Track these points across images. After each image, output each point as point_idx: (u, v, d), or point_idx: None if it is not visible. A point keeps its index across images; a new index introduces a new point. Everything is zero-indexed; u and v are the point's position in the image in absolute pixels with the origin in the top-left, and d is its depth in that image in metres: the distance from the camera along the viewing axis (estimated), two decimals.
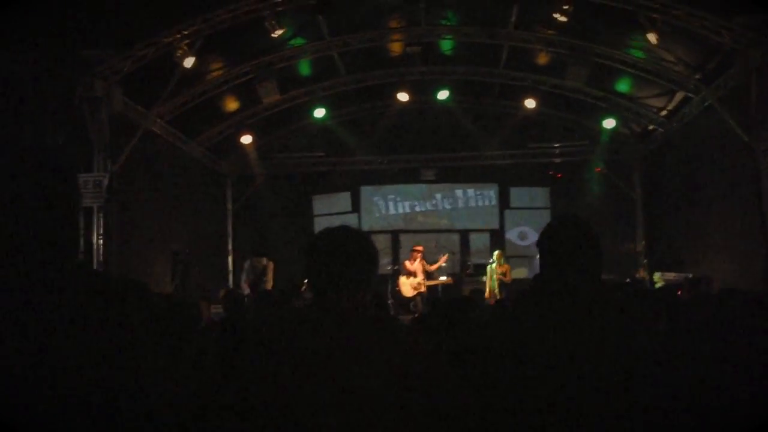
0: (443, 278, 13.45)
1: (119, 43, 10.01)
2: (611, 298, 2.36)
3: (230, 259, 15.66)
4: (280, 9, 10.24)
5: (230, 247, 15.76)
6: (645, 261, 14.38)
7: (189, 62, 10.40)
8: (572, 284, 2.26)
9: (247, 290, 11.29)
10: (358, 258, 2.00)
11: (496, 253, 13.23)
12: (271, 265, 11.89)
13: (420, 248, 13.28)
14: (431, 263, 13.32)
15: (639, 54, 11.84)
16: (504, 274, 12.80)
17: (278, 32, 10.49)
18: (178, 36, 10.01)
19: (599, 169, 15.63)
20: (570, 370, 2.09)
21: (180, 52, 10.22)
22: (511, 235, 16.35)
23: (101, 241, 9.96)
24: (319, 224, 16.52)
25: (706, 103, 11.49)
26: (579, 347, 2.11)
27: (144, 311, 2.05)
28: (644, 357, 2.16)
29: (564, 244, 2.32)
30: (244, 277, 11.83)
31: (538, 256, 2.43)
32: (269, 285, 11.66)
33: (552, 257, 2.34)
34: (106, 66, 9.99)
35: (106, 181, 9.91)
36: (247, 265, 11.94)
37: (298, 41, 12.29)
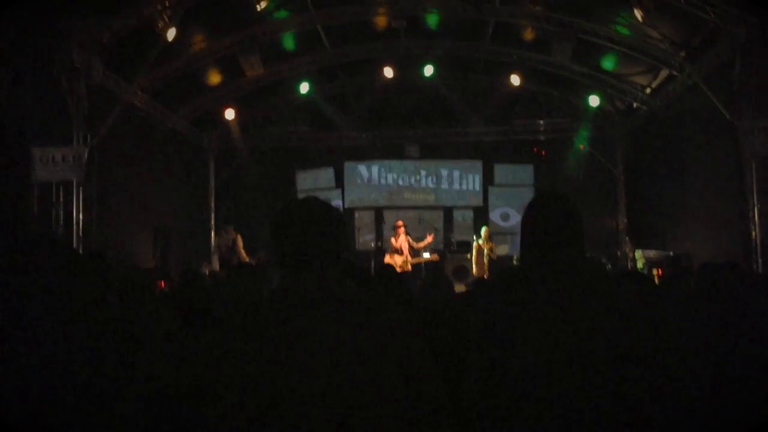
0: (428, 255, 13.44)
1: (99, 13, 9.81)
2: (593, 274, 2.32)
3: (213, 234, 15.55)
4: None
5: (213, 222, 15.64)
6: (627, 238, 14.48)
7: (171, 34, 10.21)
8: (553, 260, 2.23)
9: (216, 266, 11.13)
10: (326, 230, 1.93)
11: (483, 229, 13.25)
12: (239, 238, 11.69)
13: (401, 223, 13.23)
14: (416, 240, 13.31)
15: (624, 31, 11.79)
16: (491, 251, 12.84)
17: (263, 4, 10.33)
18: (159, 7, 9.82)
19: (583, 146, 15.64)
20: (552, 348, 2.06)
21: (161, 23, 10.03)
22: (494, 215, 16.35)
23: (80, 216, 9.83)
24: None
25: (690, 81, 11.49)
26: (561, 325, 2.08)
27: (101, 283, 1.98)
28: (630, 335, 2.12)
29: (545, 219, 2.28)
30: (213, 252, 11.60)
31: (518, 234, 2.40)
32: (241, 258, 11.49)
33: (533, 233, 2.30)
34: (86, 36, 9.78)
35: (85, 155, 9.75)
36: (216, 240, 11.72)
37: (282, 14, 12.12)
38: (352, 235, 16.09)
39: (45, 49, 9.56)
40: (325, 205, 1.95)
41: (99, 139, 10.14)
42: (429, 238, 13.32)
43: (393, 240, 13.14)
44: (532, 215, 2.34)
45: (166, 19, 10.05)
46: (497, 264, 12.69)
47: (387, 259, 13.04)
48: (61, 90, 9.82)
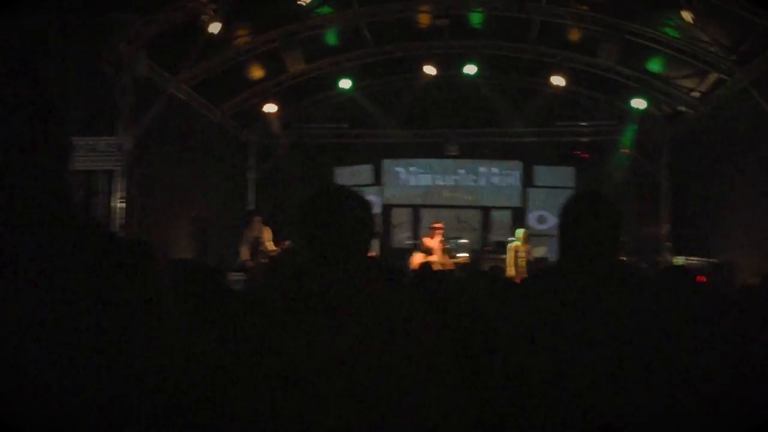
0: (462, 255, 13.28)
1: (146, 6, 9.97)
2: (625, 278, 2.29)
3: None
4: None
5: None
6: (668, 245, 14.19)
7: (215, 28, 10.33)
8: (587, 262, 2.19)
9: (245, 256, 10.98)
10: (354, 223, 1.86)
11: (520, 231, 13.08)
12: (266, 230, 11.30)
13: (440, 225, 13.09)
14: (451, 239, 13.18)
15: (673, 33, 11.54)
16: (528, 252, 12.68)
17: (307, 0, 10.36)
18: (204, 1, 9.91)
19: (626, 150, 15.37)
20: (579, 348, 2.05)
21: (205, 17, 10.14)
22: (532, 217, 16.18)
23: (122, 205, 9.99)
24: None
25: (739, 86, 11.19)
26: (590, 327, 2.07)
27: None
28: (654, 337, 2.09)
29: (581, 220, 2.26)
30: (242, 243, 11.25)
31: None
32: (268, 247, 11.23)
33: (569, 234, 2.28)
34: (132, 30, 9.94)
35: (128, 146, 9.91)
36: (244, 232, 11.38)
37: (326, 10, 12.15)
38: (387, 232, 16.09)
39: (92, 41, 9.74)
40: (355, 196, 1.90)
41: (143, 130, 10.29)
42: (462, 258, 13.08)
43: (427, 239, 13.01)
44: (568, 215, 2.31)
45: (211, 12, 10.16)
46: (533, 266, 12.53)
47: (416, 257, 12.90)
48: (107, 82, 9.99)
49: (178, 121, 12.02)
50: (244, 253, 11.14)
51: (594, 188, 14.64)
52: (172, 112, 11.64)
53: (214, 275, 3.48)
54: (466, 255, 13.33)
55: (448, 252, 12.87)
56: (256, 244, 11.17)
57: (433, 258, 12.51)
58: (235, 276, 9.46)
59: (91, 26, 9.73)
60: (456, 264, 12.97)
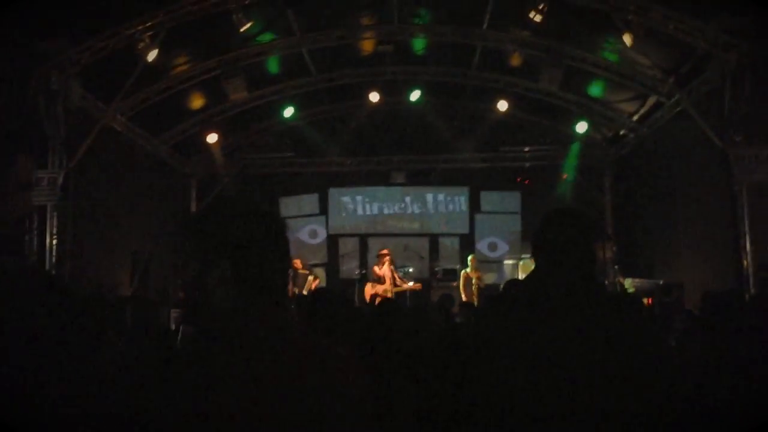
0: (411, 284, 13.10)
1: (78, 34, 9.58)
2: (603, 297, 2.15)
3: None
4: (247, 2, 9.87)
5: None
6: (616, 267, 14.27)
7: (152, 55, 9.99)
8: (562, 280, 2.04)
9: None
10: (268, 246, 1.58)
11: (470, 257, 12.98)
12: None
13: (386, 252, 12.93)
14: (399, 268, 13.02)
15: (613, 57, 11.72)
16: (479, 279, 12.57)
17: (246, 26, 10.12)
18: (140, 27, 9.61)
19: (568, 174, 15.51)
20: (556, 369, 1.92)
21: (142, 44, 9.81)
22: (481, 246, 16.09)
23: (54, 242, 9.48)
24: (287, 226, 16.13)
25: (678, 108, 11.39)
26: (567, 346, 1.94)
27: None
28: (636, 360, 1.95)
29: (558, 236, 2.12)
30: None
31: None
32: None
33: (544, 248, 2.16)
34: (64, 58, 9.53)
35: (60, 179, 9.43)
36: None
37: (267, 37, 11.93)
38: (335, 262, 15.83)
39: (21, 70, 9.29)
40: (262, 212, 1.58)
41: (76, 162, 9.81)
42: (413, 286, 12.91)
43: (377, 268, 12.81)
44: (544, 229, 2.19)
45: (148, 40, 9.83)
46: (485, 293, 12.40)
47: (368, 288, 12.69)
48: (38, 112, 9.53)
49: (115, 152, 11.56)
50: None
51: (569, 205, 14.78)
52: (108, 143, 11.19)
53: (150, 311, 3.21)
54: (418, 284, 13.15)
55: (398, 279, 12.69)
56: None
57: (384, 287, 12.34)
58: (175, 312, 9.05)
59: (22, 54, 9.31)
60: (408, 291, 12.80)
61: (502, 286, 4.89)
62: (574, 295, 2.03)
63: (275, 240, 1.54)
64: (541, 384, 1.89)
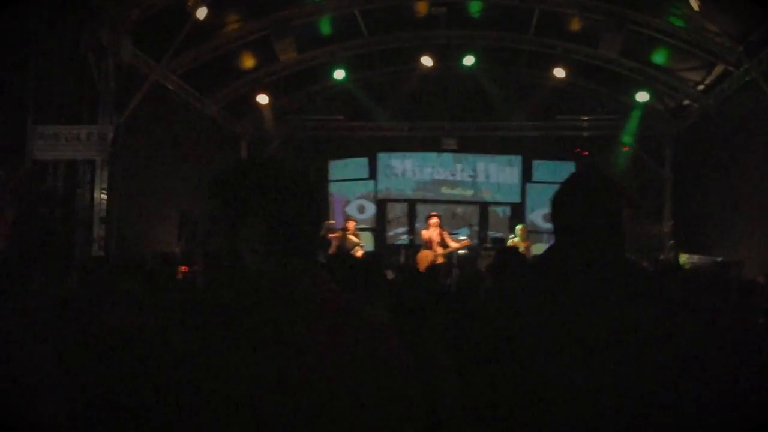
0: (461, 240, 12.75)
1: None
2: (635, 273, 1.90)
3: None
4: None
5: None
6: (672, 242, 13.80)
7: (201, 13, 9.89)
8: (587, 254, 1.83)
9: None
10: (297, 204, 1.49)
11: (519, 227, 12.65)
12: None
13: (435, 214, 12.63)
14: (451, 234, 12.79)
15: (678, 23, 11.13)
16: (527, 249, 12.27)
17: None
18: None
19: (627, 147, 14.97)
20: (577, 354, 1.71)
21: (192, 2, 9.71)
22: (532, 214, 15.74)
23: (103, 197, 9.59)
24: (335, 189, 16.11)
25: (747, 78, 10.78)
26: (592, 327, 1.72)
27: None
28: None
29: (578, 204, 1.88)
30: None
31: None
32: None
33: (565, 220, 1.91)
34: (114, 14, 9.52)
35: (110, 134, 9.49)
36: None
37: None
38: (383, 227, 15.72)
39: (72, 26, 9.33)
40: (293, 172, 1.49)
41: (125, 118, 9.85)
42: (463, 242, 12.65)
43: (424, 232, 12.57)
44: (565, 196, 1.93)
45: None
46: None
47: (422, 257, 12.46)
48: (89, 68, 9.58)
49: (165, 110, 11.59)
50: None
51: (592, 164, 14.28)
52: (158, 101, 11.22)
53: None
54: (466, 238, 12.87)
55: (447, 239, 12.34)
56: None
57: (432, 252, 12.09)
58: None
59: (73, 11, 9.34)
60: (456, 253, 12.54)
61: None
62: (596, 277, 1.80)
63: (308, 201, 1.47)
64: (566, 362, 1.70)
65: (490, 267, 4.70)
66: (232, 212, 1.41)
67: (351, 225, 12.42)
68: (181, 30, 10.23)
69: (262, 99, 14.00)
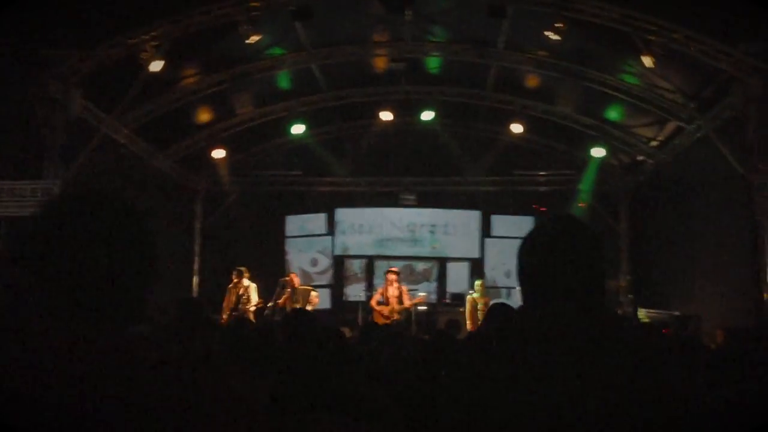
0: (419, 295, 12.52)
1: (80, 42, 9.32)
2: (622, 333, 1.66)
3: (196, 279, 14.85)
4: (255, 14, 9.58)
5: (196, 266, 14.94)
6: (630, 297, 13.79)
7: (156, 66, 9.70)
8: (567, 312, 1.57)
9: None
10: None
11: (478, 282, 12.50)
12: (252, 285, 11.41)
13: (395, 270, 12.39)
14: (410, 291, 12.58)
15: (632, 80, 11.35)
16: (486, 305, 12.09)
17: (253, 38, 9.82)
18: (144, 37, 9.33)
19: (583, 203, 15.06)
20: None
21: (146, 54, 9.53)
22: (490, 269, 15.58)
23: None
24: (292, 245, 15.81)
25: (699, 133, 10.98)
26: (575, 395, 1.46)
27: None
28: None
29: (555, 254, 1.62)
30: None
31: (518, 289, 1.73)
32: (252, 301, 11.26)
33: (539, 274, 1.64)
34: (65, 66, 9.26)
35: (56, 189, 9.11)
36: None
37: (277, 51, 11.65)
38: (340, 284, 15.42)
39: (20, 77, 9.05)
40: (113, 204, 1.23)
41: (72, 173, 9.49)
42: (418, 299, 12.42)
43: (381, 289, 12.29)
44: (536, 247, 1.67)
45: (152, 50, 9.55)
46: None
47: (375, 308, 12.18)
48: (36, 121, 9.26)
49: (116, 165, 11.26)
50: (225, 309, 11.07)
51: (566, 212, 14.26)
52: (109, 155, 10.90)
53: None
54: (422, 295, 12.65)
55: (405, 297, 12.13)
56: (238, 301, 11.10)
57: (389, 308, 11.82)
58: None
59: (21, 61, 9.07)
60: (414, 311, 12.29)
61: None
62: (584, 333, 1.57)
63: (131, 247, 1.18)
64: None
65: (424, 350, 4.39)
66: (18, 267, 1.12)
67: (295, 279, 12.11)
68: (135, 83, 10.02)
69: (219, 153, 13.77)
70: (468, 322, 11.79)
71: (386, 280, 12.13)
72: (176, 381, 1.09)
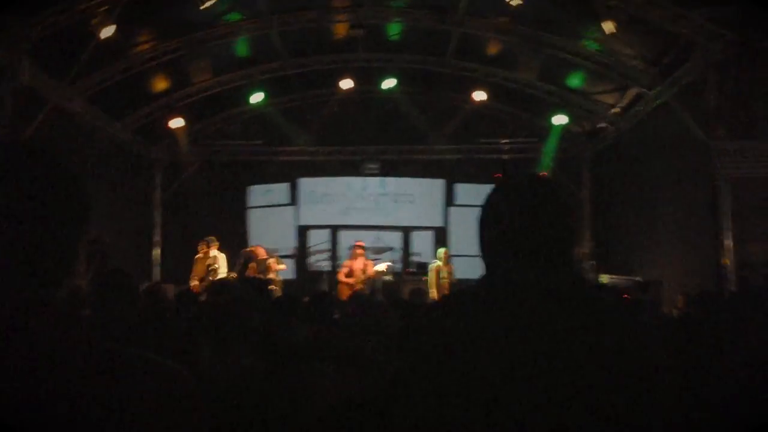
0: (379, 267, 12.50)
1: (29, 9, 8.93)
2: (593, 294, 1.56)
3: (156, 251, 14.61)
4: None
5: (157, 238, 14.70)
6: (592, 263, 13.93)
7: (108, 32, 9.36)
8: (536, 275, 1.47)
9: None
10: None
11: (441, 250, 12.52)
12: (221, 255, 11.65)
13: (361, 244, 12.37)
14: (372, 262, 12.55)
15: (593, 46, 11.32)
16: (450, 273, 12.12)
17: (209, 3, 9.53)
18: (93, 2, 8.96)
19: (546, 170, 15.10)
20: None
21: (96, 20, 9.18)
22: (454, 237, 15.58)
23: None
24: (254, 216, 15.63)
25: (660, 100, 11.03)
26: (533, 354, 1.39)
27: None
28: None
29: (522, 214, 1.51)
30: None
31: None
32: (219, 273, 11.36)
33: (504, 236, 1.52)
34: (12, 32, 8.87)
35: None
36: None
37: (234, 16, 11.35)
38: (303, 254, 15.32)
39: None
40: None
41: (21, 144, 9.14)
42: (380, 270, 12.41)
43: (347, 261, 12.26)
44: (495, 210, 1.57)
45: (103, 15, 9.20)
46: (457, 287, 11.96)
47: (342, 281, 12.15)
48: None
49: (72, 136, 10.92)
50: (193, 278, 11.32)
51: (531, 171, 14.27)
52: (65, 126, 10.57)
53: None
54: (386, 264, 12.63)
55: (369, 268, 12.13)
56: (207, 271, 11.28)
57: (355, 279, 11.82)
58: None
59: None
60: (377, 276, 12.28)
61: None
62: (550, 296, 1.47)
63: (54, 200, 1.07)
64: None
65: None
66: None
67: (260, 251, 12.03)
68: (86, 50, 9.68)
69: (177, 123, 13.46)
70: (431, 290, 11.81)
71: (353, 253, 12.10)
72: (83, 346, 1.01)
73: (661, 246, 11.74)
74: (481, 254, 1.58)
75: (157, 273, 14.33)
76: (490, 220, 1.56)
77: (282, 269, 12.19)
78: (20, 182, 1.04)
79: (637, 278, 11.55)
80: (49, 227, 1.05)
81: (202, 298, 6.74)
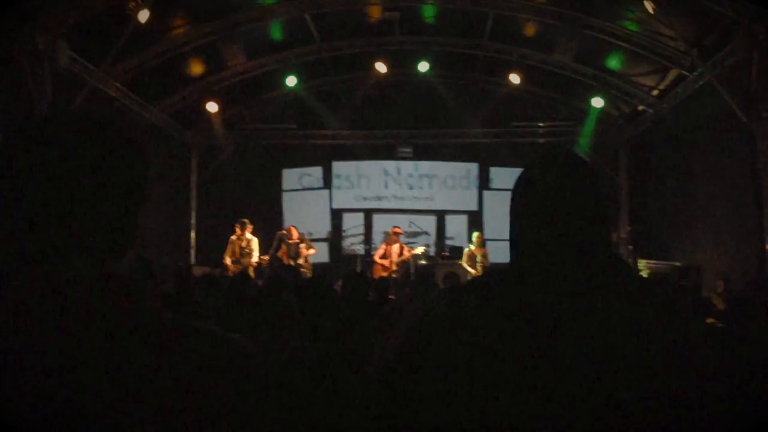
0: (416, 251, 12.54)
1: None
2: (620, 276, 1.48)
3: (192, 233, 14.78)
4: None
5: (193, 220, 14.87)
6: (630, 248, 13.71)
7: (143, 16, 9.44)
8: (569, 257, 1.40)
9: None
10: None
11: (475, 234, 12.46)
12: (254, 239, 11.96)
13: (399, 230, 12.46)
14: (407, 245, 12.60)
15: (633, 27, 11.07)
16: (484, 257, 12.06)
17: None
18: None
19: (583, 152, 14.88)
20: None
21: (133, 4, 9.26)
22: (489, 221, 15.47)
23: None
24: (288, 199, 15.71)
25: (701, 81, 10.74)
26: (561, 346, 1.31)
27: None
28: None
29: (551, 192, 1.45)
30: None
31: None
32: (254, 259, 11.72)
33: (535, 215, 1.46)
34: (50, 17, 8.99)
35: None
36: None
37: (268, 0, 11.34)
38: (337, 237, 15.36)
39: (5, 29, 8.78)
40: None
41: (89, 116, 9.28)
42: (413, 252, 12.46)
43: (385, 246, 12.32)
44: (529, 187, 1.51)
45: (138, 0, 9.28)
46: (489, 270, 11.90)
47: (377, 261, 12.23)
48: (23, 74, 9.03)
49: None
50: (227, 260, 11.62)
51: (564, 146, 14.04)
52: (102, 110, 10.69)
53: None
54: (421, 248, 12.69)
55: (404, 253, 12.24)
56: (242, 253, 11.66)
57: (390, 261, 11.97)
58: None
59: (5, 13, 8.79)
60: (411, 259, 12.36)
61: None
62: (589, 280, 1.38)
63: (116, 172, 1.08)
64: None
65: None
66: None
67: (294, 232, 12.15)
68: (123, 34, 9.77)
69: (212, 107, 13.55)
70: (471, 272, 11.78)
71: (390, 238, 12.21)
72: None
73: (700, 231, 11.49)
74: (511, 230, 1.53)
75: (192, 256, 14.50)
76: (524, 194, 1.51)
77: (311, 254, 12.26)
78: (90, 151, 1.05)
79: (677, 263, 11.35)
80: (116, 197, 1.07)
81: (226, 281, 6.83)
